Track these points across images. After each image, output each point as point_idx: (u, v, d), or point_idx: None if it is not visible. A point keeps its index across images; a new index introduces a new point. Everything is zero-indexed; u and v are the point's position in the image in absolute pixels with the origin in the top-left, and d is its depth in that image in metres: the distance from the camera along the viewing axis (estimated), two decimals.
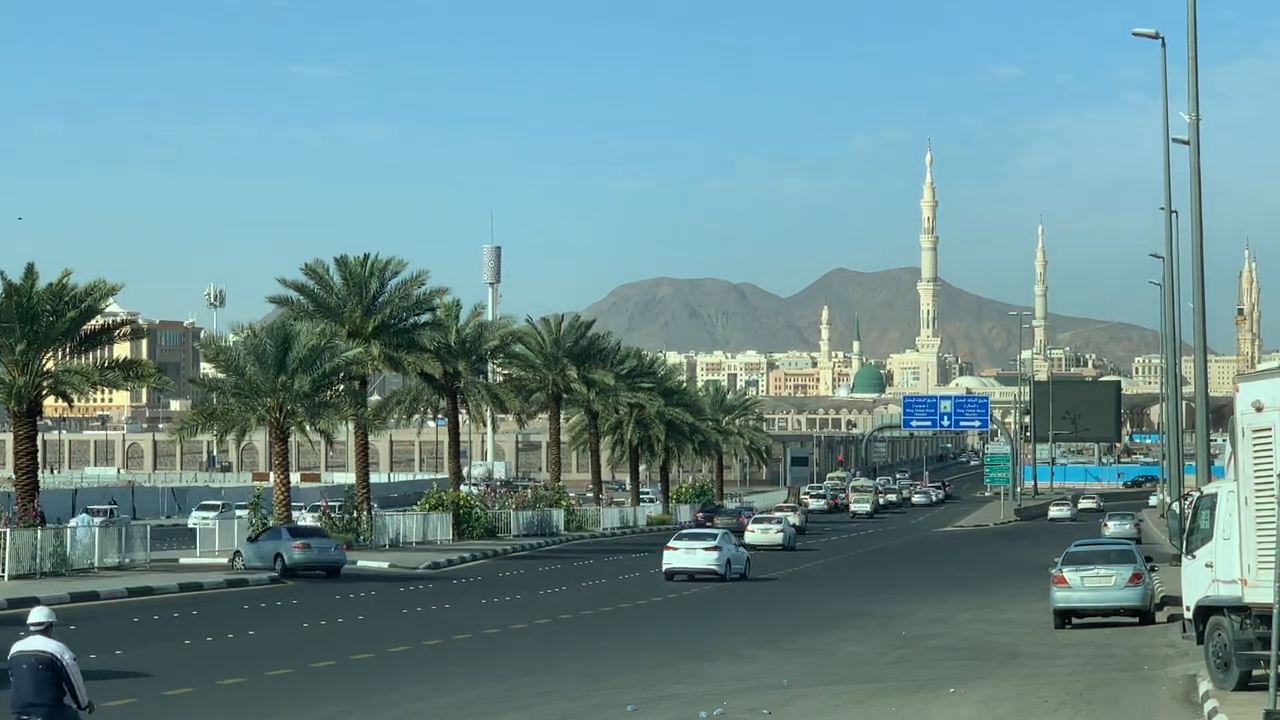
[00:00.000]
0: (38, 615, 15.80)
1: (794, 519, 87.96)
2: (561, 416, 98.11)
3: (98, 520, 58.75)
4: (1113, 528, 78.73)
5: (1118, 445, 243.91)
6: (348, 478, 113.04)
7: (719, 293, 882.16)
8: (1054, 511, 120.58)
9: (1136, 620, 37.68)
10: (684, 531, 58.43)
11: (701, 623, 39.10)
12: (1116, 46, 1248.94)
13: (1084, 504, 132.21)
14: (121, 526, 56.03)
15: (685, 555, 52.72)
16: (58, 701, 15.69)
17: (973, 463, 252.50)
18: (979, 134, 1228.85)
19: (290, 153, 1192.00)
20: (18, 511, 50.79)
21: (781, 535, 76.07)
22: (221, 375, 63.40)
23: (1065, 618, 37.46)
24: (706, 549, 52.87)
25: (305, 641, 32.79)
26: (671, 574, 52.61)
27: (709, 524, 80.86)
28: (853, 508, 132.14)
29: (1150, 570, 39.81)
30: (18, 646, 15.58)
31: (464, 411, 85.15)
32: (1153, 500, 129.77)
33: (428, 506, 73.23)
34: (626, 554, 70.22)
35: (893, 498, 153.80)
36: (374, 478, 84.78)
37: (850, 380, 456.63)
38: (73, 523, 55.33)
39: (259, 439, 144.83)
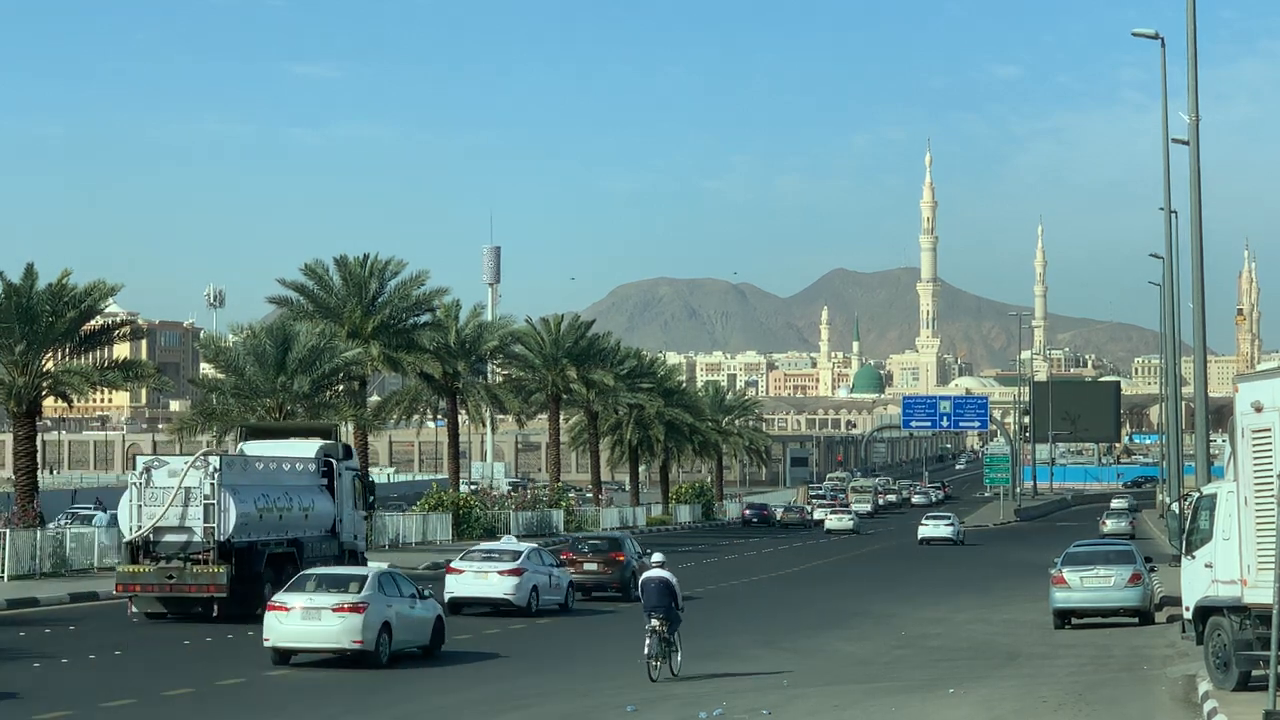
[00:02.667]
0: (657, 557, 28.04)
1: (866, 507, 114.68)
2: (561, 417, 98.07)
3: (103, 518, 58.94)
4: (1110, 525, 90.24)
5: (1117, 446, 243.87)
6: None
7: (719, 293, 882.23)
8: (1109, 525, 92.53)
9: (1136, 620, 37.70)
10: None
11: (701, 622, 39.12)
12: (1116, 46, 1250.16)
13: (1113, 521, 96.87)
14: (104, 528, 55.95)
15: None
16: (671, 606, 26.78)
17: (958, 466, 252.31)
18: (979, 134, 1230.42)
19: (290, 153, 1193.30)
20: (17, 512, 50.77)
21: (852, 523, 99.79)
22: (221, 375, 63.38)
23: (1065, 618, 37.48)
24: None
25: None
26: None
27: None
28: (853, 507, 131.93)
29: (1150, 570, 39.82)
30: (645, 575, 27.46)
31: (463, 412, 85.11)
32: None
33: (427, 507, 73.17)
34: None
35: (892, 498, 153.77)
36: (374, 478, 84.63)
37: (850, 381, 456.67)
38: (96, 520, 55.94)
39: None
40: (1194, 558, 25.88)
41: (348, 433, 77.26)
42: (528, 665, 29.16)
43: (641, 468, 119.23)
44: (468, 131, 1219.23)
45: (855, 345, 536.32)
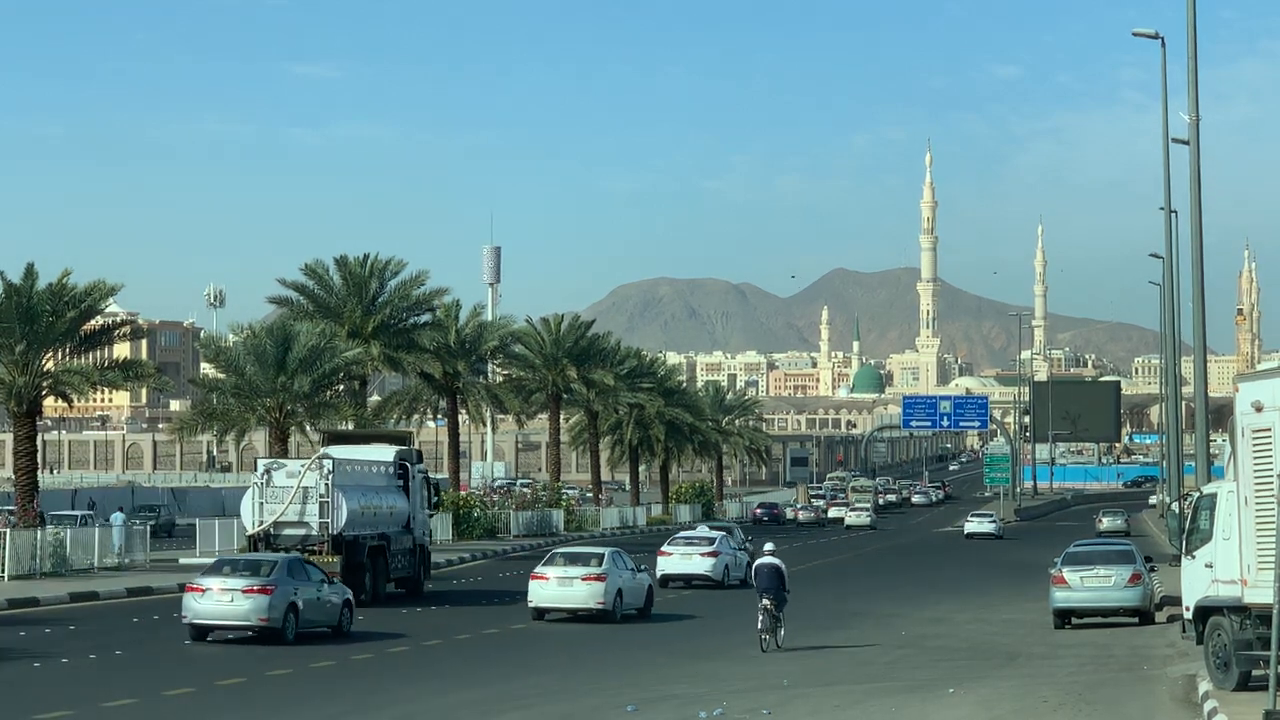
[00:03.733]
0: (768, 547, 33.44)
1: (880, 501, 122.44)
2: (561, 417, 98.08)
3: (120, 518, 59.68)
4: (1106, 523, 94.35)
5: (1117, 445, 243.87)
6: None
7: (719, 293, 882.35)
8: (1105, 523, 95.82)
9: (1136, 620, 37.70)
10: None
11: (701, 622, 39.13)
12: (1116, 46, 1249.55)
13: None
14: (120, 527, 56.03)
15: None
16: (780, 588, 31.81)
17: (951, 467, 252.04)
18: (979, 134, 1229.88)
19: (290, 152, 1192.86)
20: (17, 511, 50.79)
21: (869, 519, 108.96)
22: (221, 375, 63.39)
23: (1065, 618, 37.47)
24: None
25: (307, 642, 32.76)
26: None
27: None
28: (832, 512, 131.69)
29: (1150, 570, 39.82)
30: (758, 561, 32.91)
31: (464, 412, 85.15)
32: (1152, 500, 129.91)
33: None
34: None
35: (892, 498, 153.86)
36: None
37: (850, 380, 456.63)
38: (112, 520, 56.79)
39: (259, 439, 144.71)
40: (1194, 557, 25.88)
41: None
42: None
43: (641, 467, 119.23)
44: (468, 131, 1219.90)
45: (855, 345, 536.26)
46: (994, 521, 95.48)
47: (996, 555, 74.60)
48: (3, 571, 44.42)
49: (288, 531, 41.24)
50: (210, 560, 38.60)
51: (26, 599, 39.49)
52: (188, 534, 69.82)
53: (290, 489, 41.19)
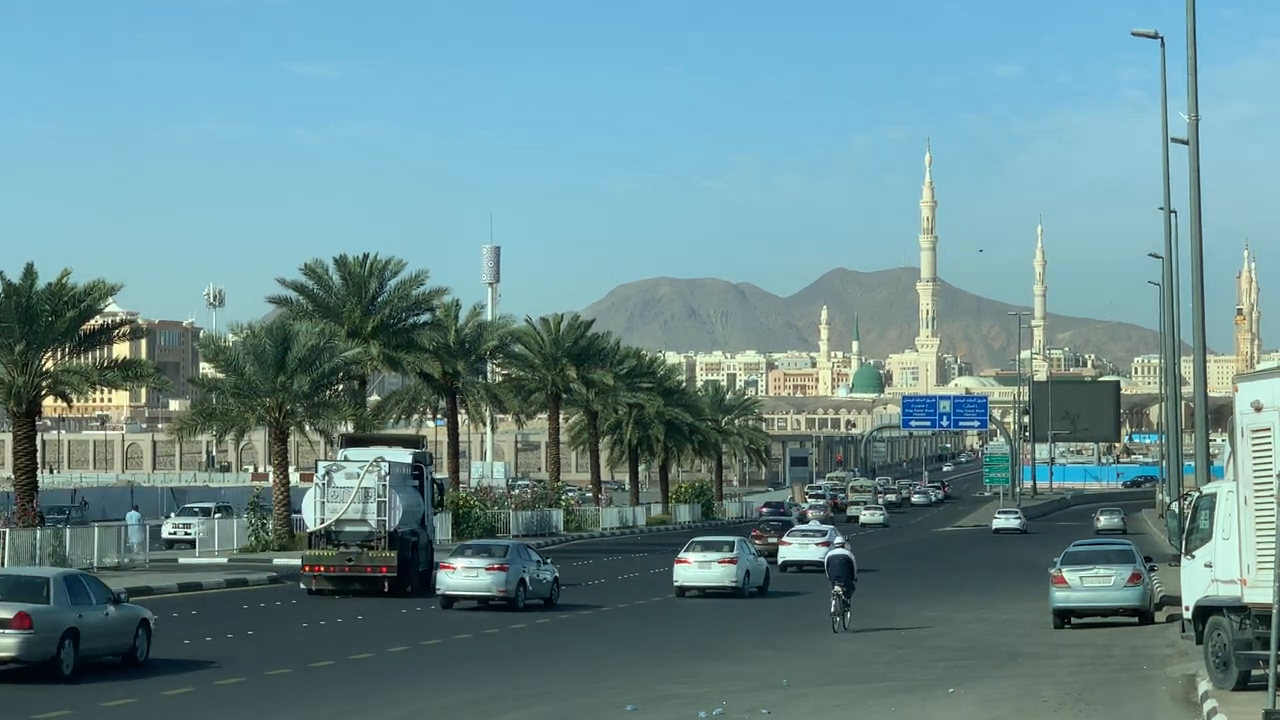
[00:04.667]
0: (839, 539, 43.33)
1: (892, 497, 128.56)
2: (561, 416, 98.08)
3: (135, 516, 60.16)
4: (1104, 521, 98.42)
5: (1117, 445, 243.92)
6: None
7: (718, 293, 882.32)
8: (1103, 521, 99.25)
9: (1136, 620, 37.68)
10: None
11: (702, 622, 39.13)
12: (1116, 45, 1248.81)
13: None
14: (136, 526, 56.14)
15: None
16: (849, 577, 35.76)
17: (945, 468, 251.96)
18: (979, 134, 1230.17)
19: (290, 152, 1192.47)
20: (17, 511, 50.79)
21: (882, 516, 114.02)
22: (221, 375, 63.41)
23: (1065, 618, 37.45)
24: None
25: (304, 641, 32.81)
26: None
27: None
28: (850, 510, 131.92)
29: (1150, 570, 39.81)
30: (830, 553, 37.32)
31: (463, 411, 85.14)
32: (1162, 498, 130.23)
33: None
34: (626, 554, 70.20)
35: (891, 498, 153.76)
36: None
37: (849, 380, 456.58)
38: (127, 520, 57.27)
39: (258, 439, 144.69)
40: (1194, 557, 25.87)
41: (347, 431, 77.31)
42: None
43: (641, 467, 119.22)
44: (468, 131, 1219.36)
45: (855, 345, 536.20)
46: (1018, 517, 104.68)
47: (997, 554, 74.60)
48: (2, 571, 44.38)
49: (349, 529, 44.76)
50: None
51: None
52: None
53: (350, 489, 44.80)
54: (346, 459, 46.77)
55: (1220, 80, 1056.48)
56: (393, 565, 44.46)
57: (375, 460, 45.59)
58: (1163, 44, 48.17)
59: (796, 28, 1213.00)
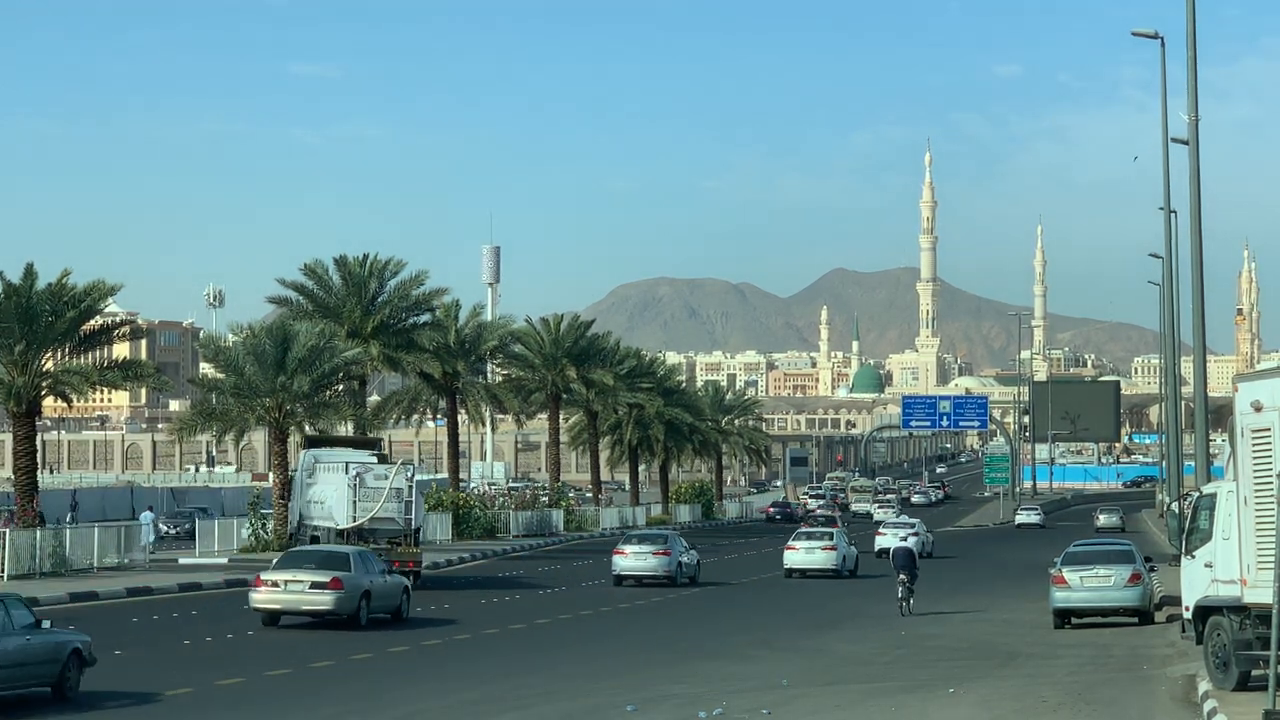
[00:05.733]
0: (901, 534, 58.07)
1: (866, 506, 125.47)
2: (561, 416, 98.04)
3: (149, 516, 60.30)
4: (1103, 519, 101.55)
5: (1117, 445, 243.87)
6: None
7: (719, 293, 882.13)
8: (1102, 520, 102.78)
9: (1136, 620, 37.66)
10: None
11: (701, 622, 39.13)
12: (1117, 45, 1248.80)
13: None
14: (121, 528, 56.03)
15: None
16: (913, 567, 40.86)
17: (939, 469, 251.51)
18: (979, 133, 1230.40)
19: (290, 152, 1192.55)
20: (17, 511, 50.75)
21: (895, 513, 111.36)
22: (221, 375, 63.31)
23: (1065, 618, 37.43)
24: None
25: (304, 641, 32.79)
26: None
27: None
28: (852, 508, 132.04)
29: (1150, 570, 39.80)
30: (895, 546, 43.08)
31: (463, 411, 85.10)
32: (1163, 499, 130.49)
33: (427, 506, 73.15)
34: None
35: (891, 498, 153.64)
36: None
37: (850, 380, 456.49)
38: (141, 520, 57.85)
39: (258, 439, 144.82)
40: (1194, 557, 25.87)
41: (348, 432, 77.40)
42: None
43: (641, 467, 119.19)
44: (468, 131, 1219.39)
45: (855, 345, 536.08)
46: (1039, 513, 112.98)
47: (998, 555, 74.59)
48: (2, 571, 44.39)
49: (380, 526, 48.03)
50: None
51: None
52: (187, 534, 69.49)
53: (380, 489, 47.95)
54: (317, 460, 49.25)
55: (1221, 79, 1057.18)
56: (420, 559, 48.44)
57: (401, 463, 50.22)
58: (1163, 44, 48.18)
59: (797, 27, 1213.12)
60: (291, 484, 53.09)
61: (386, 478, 48.20)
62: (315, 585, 34.14)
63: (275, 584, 34.47)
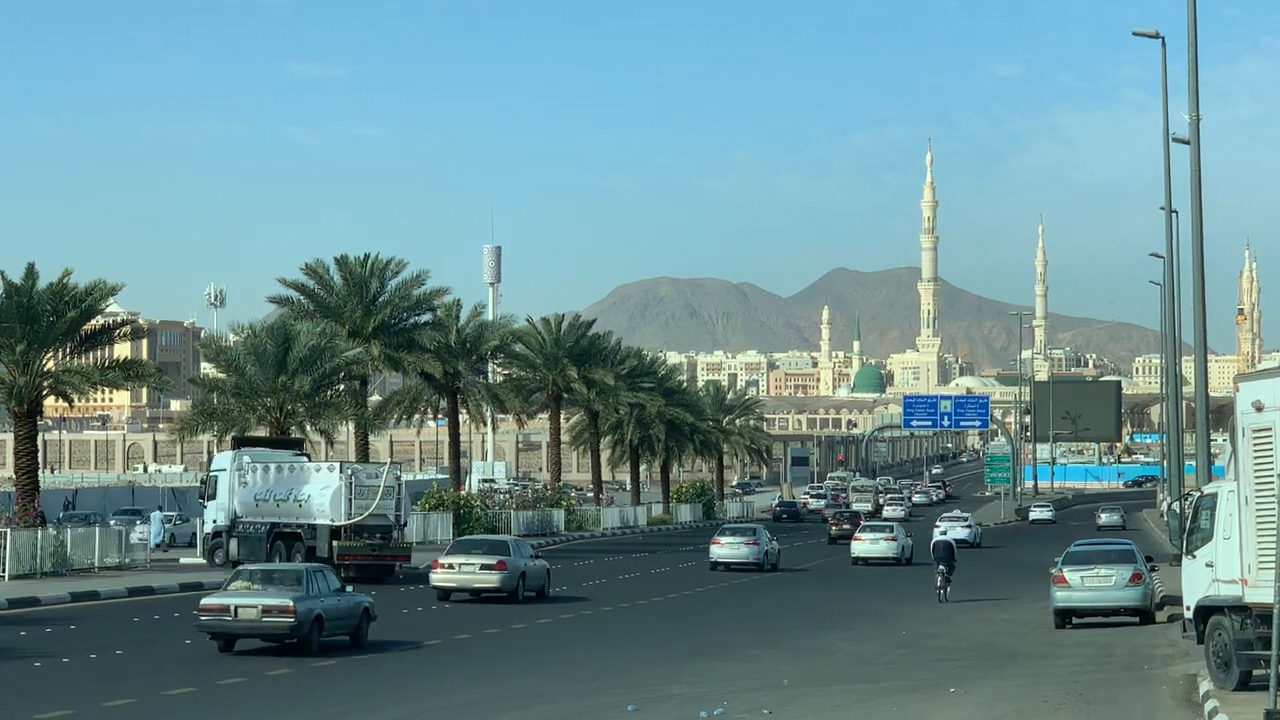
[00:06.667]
0: (941, 527, 70.87)
1: (867, 506, 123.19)
2: (562, 416, 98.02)
3: (158, 516, 60.47)
4: (1104, 518, 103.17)
5: (1118, 445, 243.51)
6: None
7: (719, 293, 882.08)
8: (1104, 518, 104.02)
9: (1137, 620, 37.65)
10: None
11: (702, 622, 39.13)
12: (1117, 45, 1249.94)
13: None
14: (122, 528, 55.98)
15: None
16: (951, 558, 45.55)
17: (935, 470, 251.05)
18: (979, 133, 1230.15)
19: (290, 152, 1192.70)
20: (18, 511, 50.76)
21: (904, 511, 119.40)
22: (222, 375, 63.37)
23: (1065, 617, 37.42)
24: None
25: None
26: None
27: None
28: (854, 508, 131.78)
29: (1151, 570, 39.79)
30: (935, 539, 49.39)
31: (464, 411, 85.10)
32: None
33: (428, 506, 73.15)
34: (627, 554, 70.20)
35: (900, 495, 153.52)
36: None
37: (850, 380, 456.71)
38: (151, 519, 59.35)
39: None
40: (1195, 557, 25.85)
41: (348, 431, 77.36)
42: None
43: (642, 467, 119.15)
44: (468, 131, 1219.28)
45: (856, 345, 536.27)
46: (1051, 510, 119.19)
47: (1000, 554, 74.58)
48: (3, 571, 44.40)
49: (372, 522, 50.02)
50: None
51: (27, 598, 39.47)
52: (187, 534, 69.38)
53: (375, 488, 50.12)
54: (252, 461, 52.09)
55: (1222, 79, 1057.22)
56: (408, 553, 51.55)
57: (390, 464, 53.27)
58: (1163, 44, 48.14)
59: (796, 27, 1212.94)
60: (214, 483, 53.15)
61: (379, 478, 50.88)
62: (484, 567, 41.83)
63: (450, 566, 42.23)
